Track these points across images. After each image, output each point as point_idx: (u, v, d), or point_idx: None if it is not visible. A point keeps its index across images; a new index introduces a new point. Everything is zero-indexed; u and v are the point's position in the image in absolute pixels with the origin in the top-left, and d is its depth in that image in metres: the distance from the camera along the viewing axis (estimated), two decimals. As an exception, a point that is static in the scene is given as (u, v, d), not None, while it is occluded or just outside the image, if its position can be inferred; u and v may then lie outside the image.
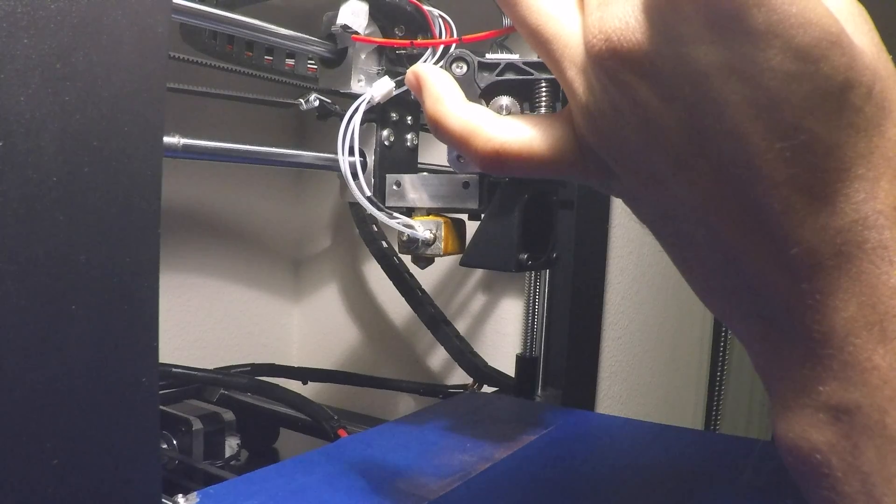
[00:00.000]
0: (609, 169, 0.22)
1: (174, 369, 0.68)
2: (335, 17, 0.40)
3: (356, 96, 0.40)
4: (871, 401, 0.17)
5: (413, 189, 0.42)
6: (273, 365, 0.91)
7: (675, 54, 0.18)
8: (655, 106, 0.18)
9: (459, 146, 0.24)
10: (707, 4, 0.17)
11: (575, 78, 0.21)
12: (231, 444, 0.65)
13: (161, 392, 0.69)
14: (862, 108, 0.17)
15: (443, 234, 0.41)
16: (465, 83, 0.39)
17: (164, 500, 0.35)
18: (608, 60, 0.19)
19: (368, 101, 0.40)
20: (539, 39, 0.22)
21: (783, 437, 0.20)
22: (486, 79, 0.34)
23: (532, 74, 0.33)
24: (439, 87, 0.25)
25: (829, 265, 0.18)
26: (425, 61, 0.41)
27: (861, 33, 0.18)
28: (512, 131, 0.23)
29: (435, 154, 0.71)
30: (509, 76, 0.34)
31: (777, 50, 0.16)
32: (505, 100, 0.38)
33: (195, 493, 0.38)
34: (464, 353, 0.78)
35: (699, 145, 0.18)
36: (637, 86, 0.18)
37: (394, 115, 0.44)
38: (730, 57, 0.17)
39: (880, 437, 0.17)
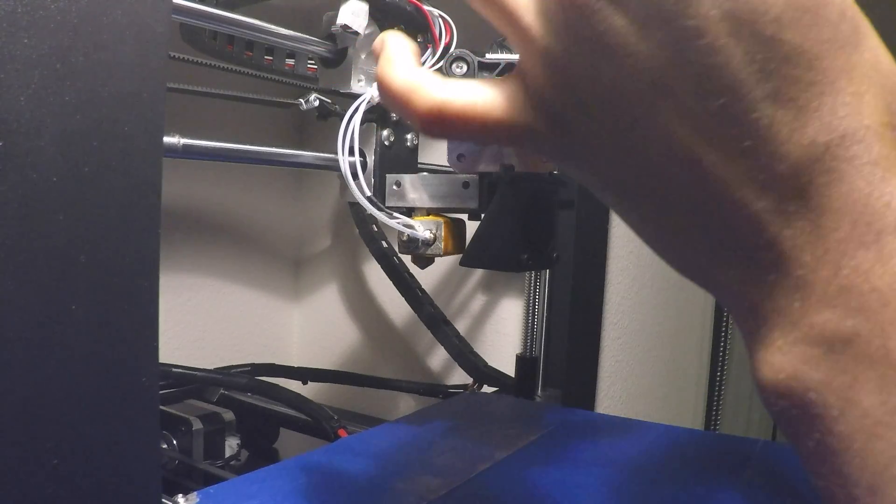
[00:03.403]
0: (567, 124, 0.20)
1: (174, 369, 0.68)
2: (335, 17, 0.40)
3: (356, 96, 0.40)
4: (872, 326, 0.17)
5: (413, 189, 0.42)
6: (273, 365, 0.91)
7: None
8: (629, 31, 0.18)
9: (400, 105, 0.23)
10: None
11: (533, 23, 0.20)
12: (231, 444, 0.65)
13: (161, 392, 0.69)
14: (838, 25, 0.17)
15: (443, 234, 0.41)
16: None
17: (164, 500, 0.35)
18: None
19: (368, 101, 0.40)
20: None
21: (771, 382, 0.18)
22: (485, 78, 0.34)
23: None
24: (393, 49, 0.24)
25: (819, 182, 0.17)
26: (425, 61, 0.41)
27: None
28: (455, 89, 0.22)
29: (435, 154, 0.71)
30: (509, 76, 0.34)
31: None
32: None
33: (195, 493, 0.38)
34: (464, 353, 0.78)
35: (678, 66, 0.18)
36: (609, 13, 0.18)
37: (394, 115, 0.45)
38: None
39: (882, 364, 0.16)
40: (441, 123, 0.22)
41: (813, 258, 0.17)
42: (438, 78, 0.23)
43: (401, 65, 0.23)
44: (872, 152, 0.17)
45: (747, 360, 0.20)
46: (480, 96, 0.22)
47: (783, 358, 0.18)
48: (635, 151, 0.19)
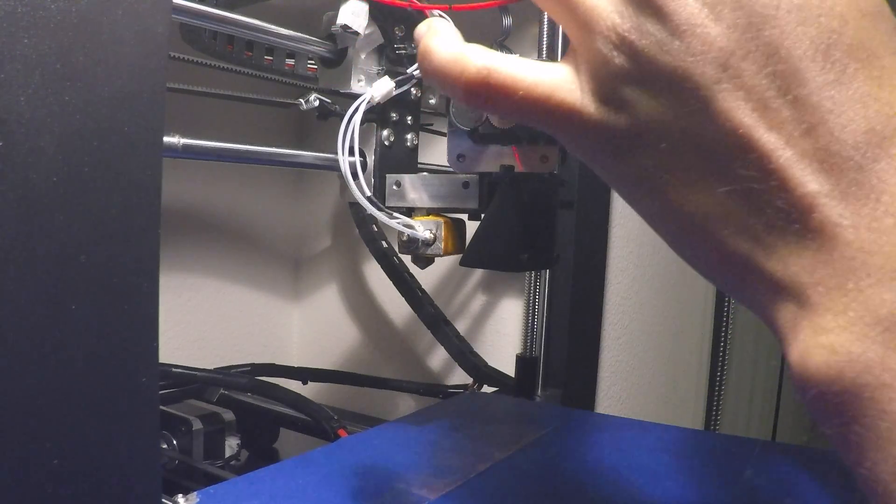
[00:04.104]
0: (621, 105, 0.20)
1: (174, 369, 0.68)
2: (335, 17, 0.40)
3: (356, 96, 0.40)
4: None
5: (413, 189, 0.42)
6: (273, 365, 0.91)
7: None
8: (701, 12, 0.19)
9: (445, 72, 0.23)
10: None
11: (599, 1, 0.20)
12: (231, 444, 0.65)
13: (161, 392, 0.69)
14: (893, 35, 0.19)
15: (443, 234, 0.41)
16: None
17: (164, 500, 0.35)
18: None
19: (368, 101, 0.40)
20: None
21: (822, 367, 0.17)
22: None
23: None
24: (438, 26, 0.24)
25: (877, 167, 0.17)
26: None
27: None
28: (505, 59, 0.22)
29: (435, 154, 0.71)
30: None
31: None
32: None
33: (195, 493, 0.38)
34: (464, 353, 0.78)
35: (747, 49, 0.18)
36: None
37: (394, 115, 0.45)
38: None
39: None
40: (486, 88, 0.22)
41: (869, 239, 0.17)
42: (486, 49, 0.23)
43: (448, 37, 0.23)
44: None
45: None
46: (530, 69, 0.22)
47: (837, 339, 0.17)
48: (691, 134, 0.19)
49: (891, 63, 0.18)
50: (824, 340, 0.18)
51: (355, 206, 0.74)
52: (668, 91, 0.19)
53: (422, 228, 0.40)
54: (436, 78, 0.23)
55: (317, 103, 0.43)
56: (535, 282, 0.76)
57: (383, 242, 0.80)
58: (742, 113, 0.18)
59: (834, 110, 0.18)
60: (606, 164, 0.22)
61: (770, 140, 0.18)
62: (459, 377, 0.83)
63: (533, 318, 0.75)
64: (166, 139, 0.32)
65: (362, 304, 0.99)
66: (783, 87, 0.18)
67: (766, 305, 0.20)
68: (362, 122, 0.39)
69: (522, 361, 0.75)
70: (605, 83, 0.20)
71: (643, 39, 0.19)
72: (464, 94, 0.23)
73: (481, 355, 0.79)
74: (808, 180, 0.18)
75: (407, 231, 0.40)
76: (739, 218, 0.19)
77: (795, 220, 0.18)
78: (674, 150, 0.20)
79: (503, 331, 0.84)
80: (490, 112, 0.23)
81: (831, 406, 0.18)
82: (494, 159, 0.40)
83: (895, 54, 0.18)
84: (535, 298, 0.76)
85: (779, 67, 0.18)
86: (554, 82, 0.22)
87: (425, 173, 0.42)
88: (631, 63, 0.20)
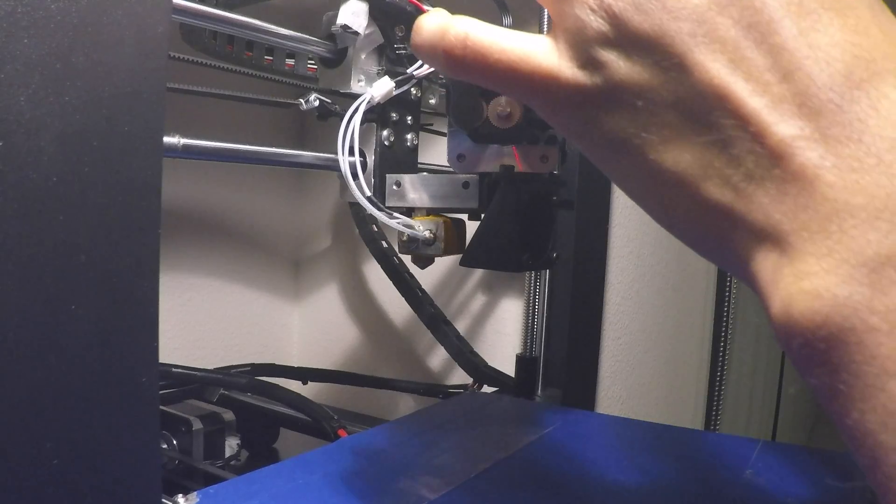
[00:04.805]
0: (599, 67, 0.21)
1: (174, 369, 0.68)
2: (335, 17, 0.40)
3: (356, 96, 0.40)
4: None
5: (413, 189, 0.42)
6: (273, 365, 0.91)
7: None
8: None
9: (429, 44, 0.24)
10: None
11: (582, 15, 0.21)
12: (231, 444, 0.65)
13: (161, 392, 0.69)
14: None
15: (443, 234, 0.41)
16: (465, 83, 0.39)
17: (164, 500, 0.35)
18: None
19: (368, 101, 0.40)
20: None
21: (807, 312, 0.17)
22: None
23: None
24: (433, 10, 0.25)
25: (855, 109, 0.17)
26: (424, 63, 0.41)
27: None
28: (485, 27, 0.23)
29: (435, 154, 0.71)
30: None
31: None
32: (505, 99, 0.38)
33: (195, 493, 0.38)
34: (464, 353, 0.78)
35: (722, 4, 0.19)
36: None
37: (394, 115, 0.45)
38: None
39: None
40: (464, 51, 0.23)
41: (851, 180, 0.17)
42: (473, 19, 0.23)
43: (437, 13, 0.24)
44: None
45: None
46: (508, 35, 0.23)
47: (822, 283, 0.17)
48: (668, 91, 0.20)
49: (865, 13, 0.18)
50: (808, 285, 0.17)
51: (355, 206, 0.74)
52: (644, 50, 0.20)
53: (422, 228, 0.40)
54: (422, 50, 0.24)
55: (317, 103, 0.43)
56: (535, 282, 0.76)
57: (383, 242, 0.80)
58: (719, 65, 0.19)
59: (811, 56, 0.18)
60: (583, 130, 0.22)
61: (747, 88, 0.18)
62: (459, 377, 0.83)
63: (533, 318, 0.75)
64: (166, 139, 0.32)
65: (362, 304, 0.99)
66: (759, 38, 0.18)
67: (746, 260, 0.19)
68: (362, 122, 0.39)
69: (522, 361, 0.75)
70: (583, 47, 0.21)
71: (620, 2, 0.20)
72: (444, 59, 0.23)
73: (481, 355, 0.79)
74: (787, 125, 0.18)
75: (407, 231, 0.40)
76: (719, 170, 0.19)
77: (775, 165, 0.18)
78: (651, 108, 0.20)
79: (503, 331, 0.84)
80: (468, 78, 0.24)
81: (817, 355, 0.17)
82: (494, 159, 0.40)
83: (869, 7, 0.18)
84: (535, 298, 0.76)
85: (754, 19, 0.18)
86: (531, 48, 0.22)
87: (425, 173, 0.42)
88: (608, 25, 0.20)
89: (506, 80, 0.23)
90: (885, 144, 0.17)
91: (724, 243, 0.20)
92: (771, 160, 0.18)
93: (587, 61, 0.21)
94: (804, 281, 0.17)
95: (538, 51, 0.22)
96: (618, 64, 0.20)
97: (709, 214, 0.20)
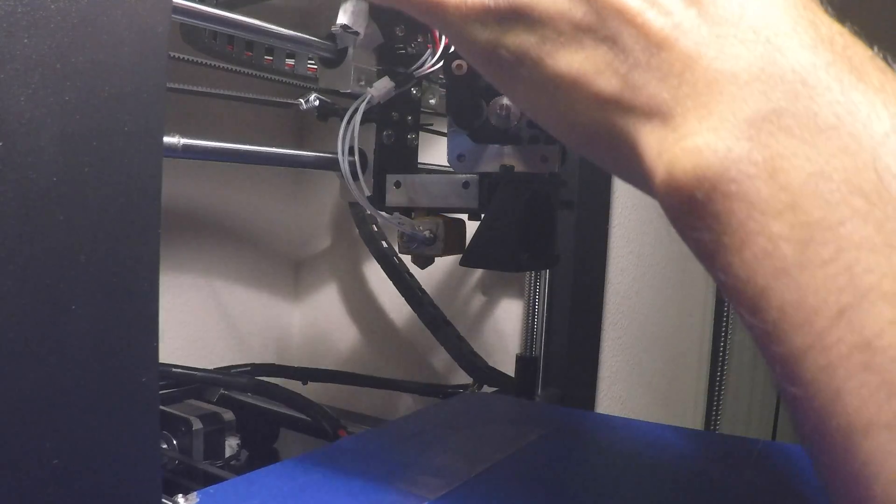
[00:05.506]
0: None
1: (174, 369, 0.68)
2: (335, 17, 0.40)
3: (356, 96, 0.40)
4: (795, 100, 0.17)
5: (413, 189, 0.42)
6: (273, 365, 0.91)
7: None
8: None
9: None
10: None
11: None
12: (231, 444, 0.64)
13: (161, 392, 0.69)
14: None
15: (443, 234, 0.41)
16: (465, 83, 0.39)
17: (164, 500, 0.35)
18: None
19: (368, 101, 0.40)
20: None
21: (691, 168, 0.18)
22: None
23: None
24: None
25: None
26: (424, 63, 0.41)
27: None
28: None
29: (435, 154, 0.71)
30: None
31: None
32: (506, 99, 0.38)
33: (195, 493, 0.38)
34: (464, 354, 0.78)
35: None
36: None
37: (394, 115, 0.45)
38: None
39: (807, 130, 0.16)
40: None
41: (732, 54, 0.18)
42: None
43: None
44: None
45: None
46: None
47: (703, 140, 0.18)
48: (562, 6, 0.21)
49: None
50: (690, 143, 0.18)
51: (355, 206, 0.74)
52: None
53: (422, 228, 0.40)
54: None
55: (317, 103, 0.43)
56: (535, 282, 0.76)
57: (383, 242, 0.80)
58: None
59: None
60: (488, 49, 0.24)
61: None
62: (459, 377, 0.83)
63: (533, 318, 0.75)
64: (166, 139, 0.32)
65: (362, 304, 0.99)
66: None
67: (635, 144, 0.20)
68: (362, 122, 0.39)
69: (522, 361, 0.75)
70: None
71: None
72: None
73: (481, 355, 0.79)
74: (670, 11, 0.19)
75: (407, 231, 0.40)
76: (609, 63, 0.20)
77: (661, 49, 0.19)
78: (549, 21, 0.21)
79: (503, 331, 0.84)
80: (394, 4, 0.27)
81: (699, 208, 0.18)
82: (494, 159, 0.40)
83: None
84: (535, 298, 0.76)
85: None
86: None
87: (425, 173, 0.42)
88: None
89: (422, 7, 0.25)
90: (761, 21, 0.18)
91: (616, 135, 0.21)
92: (657, 46, 0.19)
93: None
94: (686, 140, 0.18)
95: None
96: None
97: (602, 109, 0.21)
